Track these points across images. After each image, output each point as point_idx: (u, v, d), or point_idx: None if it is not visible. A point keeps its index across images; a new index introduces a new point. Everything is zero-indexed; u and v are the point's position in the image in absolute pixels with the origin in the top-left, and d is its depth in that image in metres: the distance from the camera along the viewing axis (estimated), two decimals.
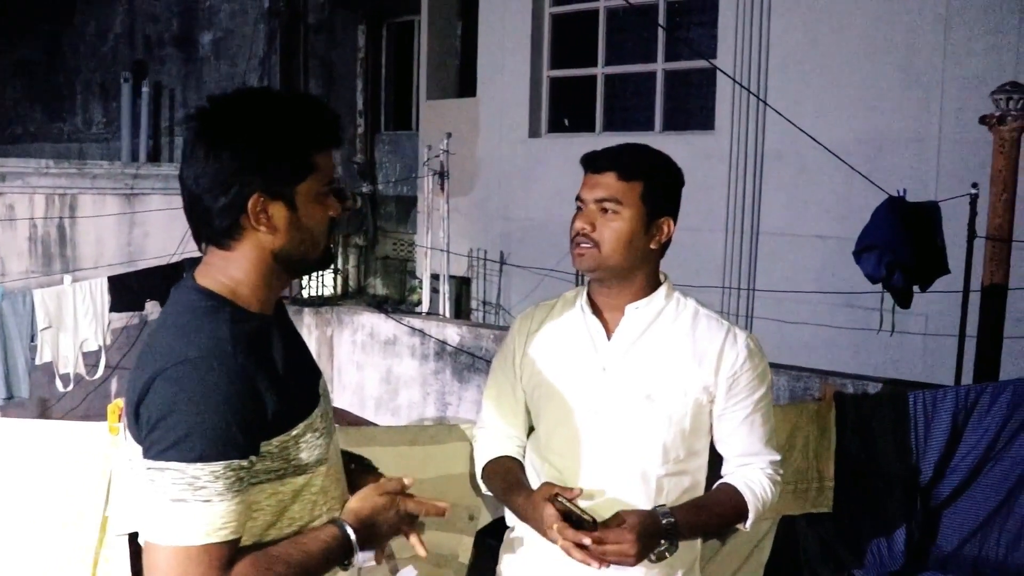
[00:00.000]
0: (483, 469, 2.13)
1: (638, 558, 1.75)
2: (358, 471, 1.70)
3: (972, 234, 4.56)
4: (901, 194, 4.69)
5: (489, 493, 2.15)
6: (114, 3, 12.72)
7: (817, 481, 3.00)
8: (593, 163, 1.95)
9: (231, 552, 1.35)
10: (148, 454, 1.33)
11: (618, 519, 1.78)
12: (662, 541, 1.79)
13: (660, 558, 1.81)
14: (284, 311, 1.62)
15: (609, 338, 1.96)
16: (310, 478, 1.49)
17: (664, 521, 1.79)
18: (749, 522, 1.98)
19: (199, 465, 1.31)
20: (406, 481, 1.62)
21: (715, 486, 2.00)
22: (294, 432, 1.45)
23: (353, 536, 1.49)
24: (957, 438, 3.03)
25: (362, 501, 1.56)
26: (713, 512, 1.94)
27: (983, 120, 4.01)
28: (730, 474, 1.99)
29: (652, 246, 1.94)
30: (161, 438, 1.31)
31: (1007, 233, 3.95)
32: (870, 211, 4.69)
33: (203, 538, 1.31)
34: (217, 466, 1.31)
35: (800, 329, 6.89)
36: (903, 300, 4.59)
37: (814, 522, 3.15)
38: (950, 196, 4.85)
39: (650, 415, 1.90)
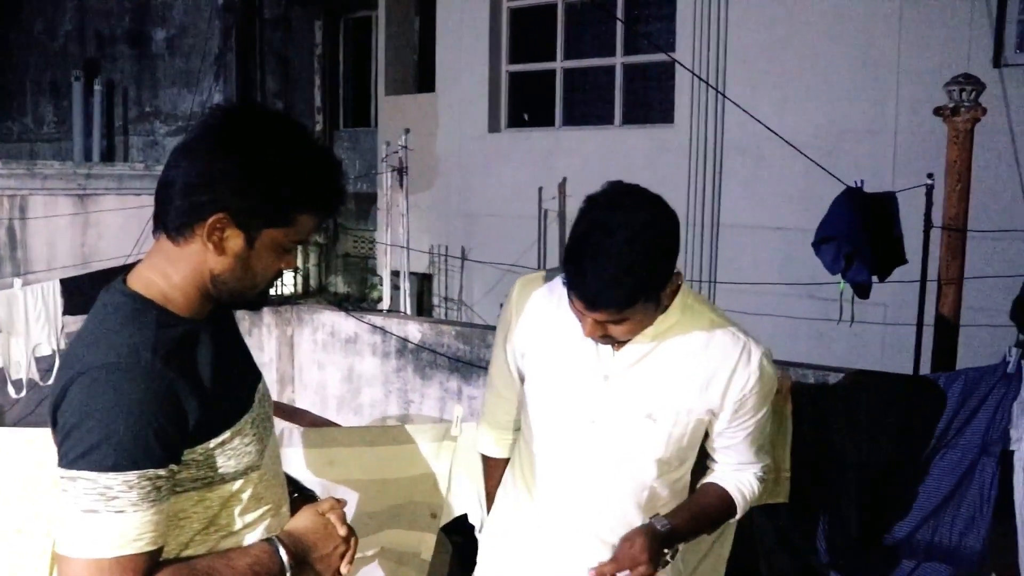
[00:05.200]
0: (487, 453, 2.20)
1: (653, 567, 1.77)
2: (300, 500, 1.64)
3: (928, 224, 4.61)
4: (859, 185, 4.72)
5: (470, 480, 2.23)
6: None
7: (774, 472, 3.02)
8: (585, 303, 1.70)
9: (149, 564, 1.30)
10: (61, 463, 1.29)
11: (624, 544, 1.78)
12: (665, 549, 1.80)
13: (663, 564, 1.82)
14: (227, 310, 1.56)
15: (615, 348, 1.85)
16: (241, 485, 1.44)
17: (662, 528, 1.81)
18: (733, 521, 2.07)
19: (112, 475, 1.26)
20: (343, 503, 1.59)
21: (705, 485, 2.00)
22: (220, 439, 1.40)
23: (284, 555, 1.44)
24: (911, 426, 3.06)
25: (298, 522, 1.53)
26: (708, 517, 1.95)
27: (937, 112, 4.04)
28: (722, 476, 1.98)
29: (666, 302, 1.81)
30: (74, 446, 1.27)
31: (962, 223, 3.98)
32: (829, 202, 4.72)
33: (116, 550, 1.27)
34: (131, 475, 1.27)
35: (762, 320, 6.93)
36: (862, 291, 4.63)
37: (770, 512, 3.17)
38: (907, 187, 4.89)
39: (649, 433, 1.85)
